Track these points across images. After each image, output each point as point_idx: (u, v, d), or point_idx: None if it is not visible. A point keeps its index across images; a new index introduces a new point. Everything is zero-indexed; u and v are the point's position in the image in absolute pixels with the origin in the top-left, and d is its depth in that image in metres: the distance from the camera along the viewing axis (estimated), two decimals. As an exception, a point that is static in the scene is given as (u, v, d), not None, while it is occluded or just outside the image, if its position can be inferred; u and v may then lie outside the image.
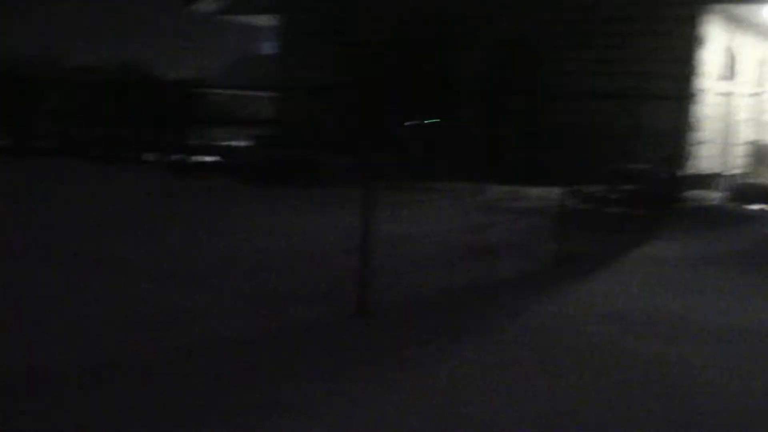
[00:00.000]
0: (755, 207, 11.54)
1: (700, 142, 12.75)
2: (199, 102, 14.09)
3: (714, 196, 12.24)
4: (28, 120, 14.84)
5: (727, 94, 13.90)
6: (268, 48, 18.11)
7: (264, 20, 17.10)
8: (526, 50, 13.64)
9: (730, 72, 13.94)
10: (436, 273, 6.84)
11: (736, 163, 14.10)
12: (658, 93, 12.43)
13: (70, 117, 14.11)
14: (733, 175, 13.29)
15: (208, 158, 14.02)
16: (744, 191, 12.25)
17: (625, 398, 3.88)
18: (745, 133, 14.55)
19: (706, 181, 12.66)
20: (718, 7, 12.94)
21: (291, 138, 14.12)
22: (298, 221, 9.10)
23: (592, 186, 9.86)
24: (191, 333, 4.80)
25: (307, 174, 12.35)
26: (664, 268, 7.43)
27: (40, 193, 10.25)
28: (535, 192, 11.93)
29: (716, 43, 13.15)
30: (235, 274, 6.40)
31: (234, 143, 15.55)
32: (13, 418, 3.30)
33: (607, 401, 3.80)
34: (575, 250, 7.80)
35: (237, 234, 8.17)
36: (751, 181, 13.20)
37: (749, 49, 14.56)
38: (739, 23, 13.83)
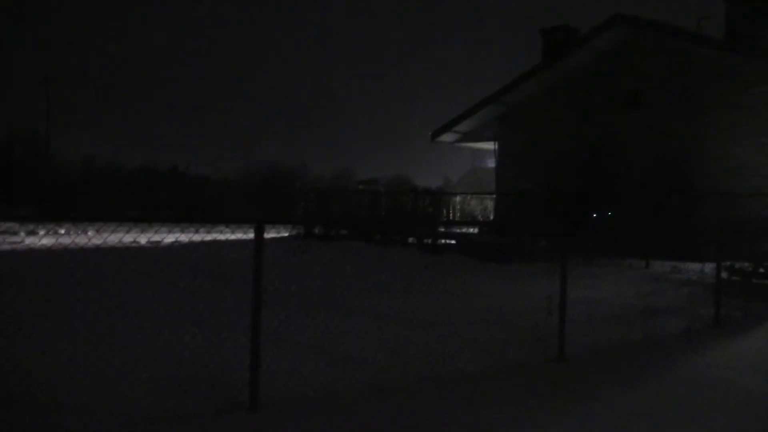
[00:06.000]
0: None
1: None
2: (442, 202, 18.92)
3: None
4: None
5: None
6: (490, 163, 22.70)
7: (487, 146, 21.91)
8: (676, 165, 16.94)
9: None
10: (615, 329, 7.67)
11: None
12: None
13: (363, 215, 19.74)
14: None
15: (449, 241, 17.84)
16: None
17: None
18: None
19: None
20: None
21: (505, 227, 17.75)
22: (508, 286, 10.73)
23: (741, 262, 11.28)
24: (434, 366, 5.71)
25: (515, 253, 15.08)
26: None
27: (337, 264, 13.34)
28: (692, 266, 13.71)
29: None
30: (461, 324, 7.44)
31: (465, 231, 19.42)
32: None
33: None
34: (729, 314, 8.61)
35: (467, 295, 9.50)
36: None
37: None
38: None
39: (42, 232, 19.06)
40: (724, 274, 9.38)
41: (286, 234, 20.62)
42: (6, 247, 14.65)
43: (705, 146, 16.68)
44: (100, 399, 4.43)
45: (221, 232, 20.75)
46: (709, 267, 11.26)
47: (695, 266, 13.61)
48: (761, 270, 11.64)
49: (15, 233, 18.26)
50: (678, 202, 16.58)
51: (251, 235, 4.53)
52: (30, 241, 16.54)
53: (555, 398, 5.02)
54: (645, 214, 16.83)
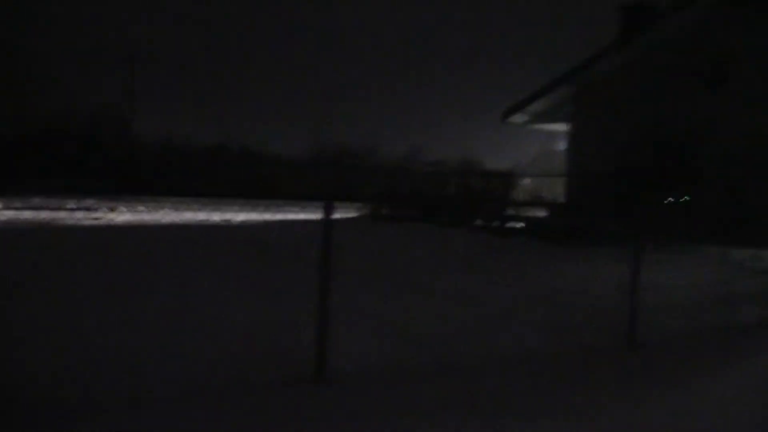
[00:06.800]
0: None
1: None
2: (511, 184, 18.66)
3: None
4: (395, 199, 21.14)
5: None
6: (561, 146, 22.25)
7: (559, 127, 21.48)
8: (762, 147, 16.15)
9: None
10: (689, 317, 7.52)
11: None
12: None
13: (436, 196, 19.69)
14: None
15: (517, 224, 17.66)
16: None
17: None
18: None
19: None
20: None
21: (576, 209, 17.67)
22: (579, 270, 10.61)
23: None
24: (500, 347, 5.70)
25: (586, 236, 14.72)
26: None
27: (404, 244, 13.56)
28: None
29: None
30: (533, 307, 7.37)
31: (535, 213, 19.12)
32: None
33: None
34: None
35: (535, 278, 9.58)
36: None
37: None
38: None
39: (123, 209, 19.91)
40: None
41: (354, 215, 20.84)
42: (89, 222, 15.40)
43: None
44: (171, 368, 4.57)
45: (292, 211, 21.24)
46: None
47: (777, 254, 12.95)
48: None
49: (96, 209, 19.18)
50: (763, 186, 15.77)
51: (319, 216, 4.60)
52: (111, 216, 17.32)
53: (622, 384, 4.92)
54: (726, 199, 16.13)
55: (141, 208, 20.67)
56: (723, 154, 16.78)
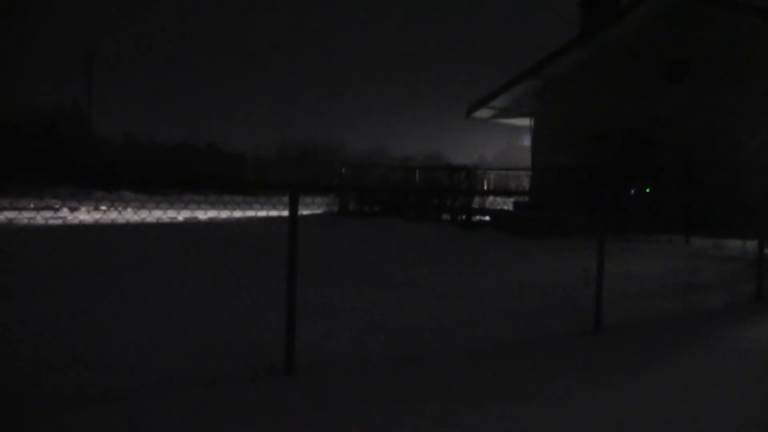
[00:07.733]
0: None
1: None
2: (477, 178, 18.80)
3: None
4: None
5: None
6: (526, 140, 22.54)
7: (523, 122, 21.71)
8: (722, 139, 16.62)
9: None
10: (654, 302, 7.69)
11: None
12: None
13: (397, 190, 19.81)
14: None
15: (483, 217, 17.95)
16: None
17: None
18: None
19: None
20: None
21: (541, 202, 17.87)
22: (546, 261, 10.78)
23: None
24: (470, 336, 5.79)
25: (551, 228, 15.06)
26: None
27: (372, 239, 13.83)
28: (734, 243, 13.71)
29: None
30: (501, 297, 7.52)
31: (501, 207, 19.40)
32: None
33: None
34: (771, 289, 8.56)
35: (503, 270, 9.67)
36: None
37: None
38: None
39: (84, 209, 19.49)
40: (767, 251, 9.25)
41: (320, 211, 20.73)
42: (56, 221, 15.07)
43: (753, 120, 16.20)
44: (143, 361, 4.55)
45: (256, 208, 21.02)
46: (751, 244, 10.97)
47: (737, 243, 13.42)
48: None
49: (58, 209, 18.75)
50: (722, 177, 16.18)
51: (286, 213, 4.60)
52: (74, 216, 16.95)
53: (590, 369, 5.00)
54: (686, 189, 16.50)
55: (103, 207, 20.27)
56: (684, 147, 17.16)
